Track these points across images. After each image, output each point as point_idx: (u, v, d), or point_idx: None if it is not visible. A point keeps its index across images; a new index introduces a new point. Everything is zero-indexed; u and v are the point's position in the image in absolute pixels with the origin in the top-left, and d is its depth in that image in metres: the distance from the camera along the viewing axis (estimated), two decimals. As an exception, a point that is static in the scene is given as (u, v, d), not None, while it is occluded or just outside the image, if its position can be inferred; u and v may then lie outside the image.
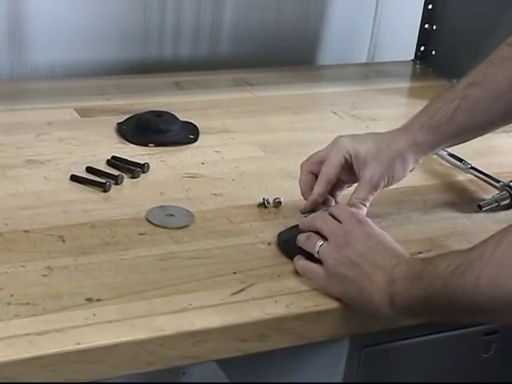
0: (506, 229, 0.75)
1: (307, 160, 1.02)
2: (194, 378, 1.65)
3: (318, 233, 0.90)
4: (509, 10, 1.41)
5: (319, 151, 1.01)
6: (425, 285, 0.78)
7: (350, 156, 0.98)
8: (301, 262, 0.90)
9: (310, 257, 0.90)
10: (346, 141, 0.99)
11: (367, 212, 0.98)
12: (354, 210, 0.92)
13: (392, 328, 0.91)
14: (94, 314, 0.82)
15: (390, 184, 0.99)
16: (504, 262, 0.72)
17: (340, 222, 0.89)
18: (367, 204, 0.97)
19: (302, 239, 0.91)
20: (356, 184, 1.00)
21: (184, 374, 1.65)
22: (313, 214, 0.96)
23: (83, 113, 1.27)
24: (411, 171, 1.01)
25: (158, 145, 1.19)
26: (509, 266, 0.72)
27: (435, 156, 1.22)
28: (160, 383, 1.63)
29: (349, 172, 0.99)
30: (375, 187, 0.98)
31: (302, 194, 1.01)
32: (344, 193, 1.05)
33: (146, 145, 1.18)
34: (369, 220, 0.89)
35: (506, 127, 1.35)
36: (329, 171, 0.98)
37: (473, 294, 0.75)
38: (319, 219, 0.91)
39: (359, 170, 0.98)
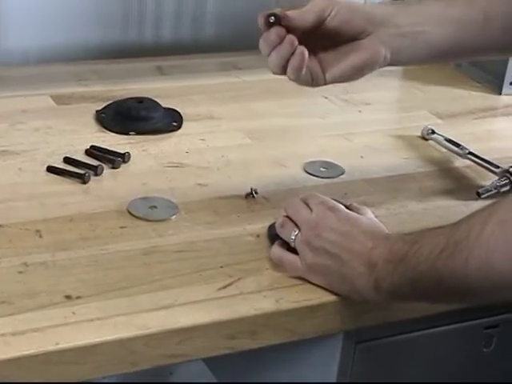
0: (491, 207, 0.76)
1: None
2: (182, 377, 1.65)
3: None
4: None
5: None
6: (410, 268, 0.80)
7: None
8: (277, 252, 0.91)
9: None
10: None
11: (358, 201, 0.98)
12: (325, 197, 0.92)
13: (387, 322, 0.91)
14: (74, 313, 0.81)
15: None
16: (493, 243, 0.74)
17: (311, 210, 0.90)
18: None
19: (277, 225, 0.92)
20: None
21: (171, 373, 1.65)
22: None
23: (60, 100, 1.26)
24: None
25: (139, 133, 1.18)
26: (498, 248, 0.73)
27: (431, 141, 1.22)
28: (154, 383, 1.63)
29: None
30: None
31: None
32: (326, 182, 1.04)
33: (127, 133, 1.18)
34: (340, 205, 0.90)
35: (506, 110, 1.37)
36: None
37: (462, 275, 0.76)
38: (291, 207, 0.92)
39: None
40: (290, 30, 0.93)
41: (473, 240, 0.75)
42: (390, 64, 0.98)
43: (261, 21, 0.93)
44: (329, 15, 0.94)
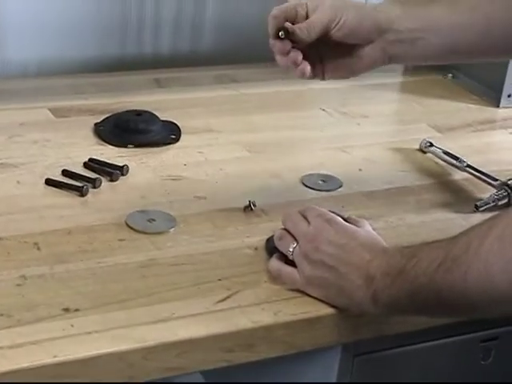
0: (490, 222, 0.77)
1: None
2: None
3: None
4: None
5: None
6: (408, 281, 0.80)
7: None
8: (275, 265, 0.91)
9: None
10: None
11: (356, 214, 0.99)
12: (323, 210, 0.92)
13: (385, 335, 0.92)
14: (72, 325, 0.82)
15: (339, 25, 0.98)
16: (492, 257, 0.74)
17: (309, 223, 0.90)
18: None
19: (275, 238, 0.93)
20: None
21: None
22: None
23: (58, 113, 1.27)
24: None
25: (137, 146, 1.19)
26: (497, 262, 0.74)
27: (429, 154, 1.23)
28: (160, 383, 1.63)
29: None
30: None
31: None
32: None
33: (125, 146, 1.18)
34: (338, 218, 0.90)
35: (504, 122, 1.37)
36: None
37: (461, 289, 0.77)
38: (289, 220, 0.92)
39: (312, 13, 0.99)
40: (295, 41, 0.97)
41: (472, 254, 0.76)
42: (385, 64, 1.03)
43: (271, 30, 0.97)
44: (336, 25, 0.98)
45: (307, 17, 0.99)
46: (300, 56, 0.97)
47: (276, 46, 0.97)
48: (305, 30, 0.97)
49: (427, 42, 1.00)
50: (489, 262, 0.75)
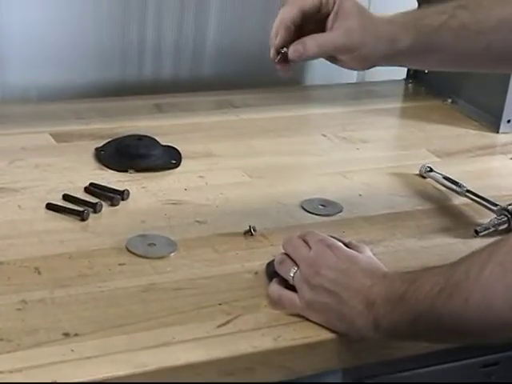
0: (491, 248, 0.77)
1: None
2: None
3: None
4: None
5: None
6: (409, 308, 0.80)
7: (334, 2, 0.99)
8: (276, 289, 0.91)
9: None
10: None
11: (356, 238, 0.99)
12: (324, 235, 0.93)
13: (386, 360, 0.91)
14: (72, 350, 0.82)
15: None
16: (493, 283, 0.74)
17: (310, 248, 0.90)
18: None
19: (276, 262, 0.93)
20: None
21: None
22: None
23: (59, 138, 1.27)
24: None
25: (138, 170, 1.19)
26: (498, 288, 0.74)
27: (429, 179, 1.23)
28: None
29: (320, 21, 1.01)
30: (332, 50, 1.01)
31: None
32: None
33: (126, 171, 1.19)
34: (338, 243, 0.90)
35: (503, 148, 1.38)
36: (286, 14, 1.00)
37: (461, 316, 0.77)
38: (290, 245, 0.92)
39: (334, 21, 1.00)
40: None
41: (472, 280, 0.76)
42: None
43: (275, 35, 1.03)
44: (347, 54, 1.00)
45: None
46: (285, 68, 1.03)
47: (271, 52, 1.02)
48: (308, 55, 1.01)
49: (427, 65, 1.04)
50: (490, 288, 0.75)
